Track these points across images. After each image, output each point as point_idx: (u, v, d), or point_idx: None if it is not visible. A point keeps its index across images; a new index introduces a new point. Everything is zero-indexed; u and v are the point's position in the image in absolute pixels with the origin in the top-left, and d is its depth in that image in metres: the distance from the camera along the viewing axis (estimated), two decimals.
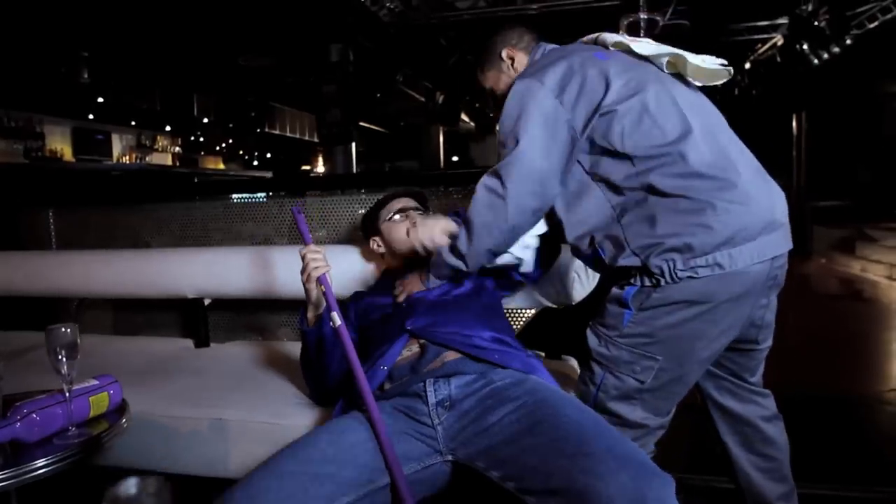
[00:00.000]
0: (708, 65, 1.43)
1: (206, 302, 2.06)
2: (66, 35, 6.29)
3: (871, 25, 6.89)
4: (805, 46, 7.16)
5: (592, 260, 1.36)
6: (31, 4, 5.23)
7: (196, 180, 7.12)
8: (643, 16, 5.56)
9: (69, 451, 1.09)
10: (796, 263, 8.56)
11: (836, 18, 6.68)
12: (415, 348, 1.36)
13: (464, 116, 11.12)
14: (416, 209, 1.66)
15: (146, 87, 8.42)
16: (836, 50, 6.96)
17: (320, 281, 1.34)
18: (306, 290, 1.38)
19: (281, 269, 1.93)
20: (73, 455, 1.09)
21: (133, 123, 8.80)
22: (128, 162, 8.84)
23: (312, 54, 6.97)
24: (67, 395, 1.15)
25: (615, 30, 6.21)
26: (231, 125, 10.13)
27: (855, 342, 4.40)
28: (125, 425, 1.22)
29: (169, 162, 9.75)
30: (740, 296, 1.26)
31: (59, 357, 1.12)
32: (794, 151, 9.86)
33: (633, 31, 5.61)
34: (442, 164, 11.34)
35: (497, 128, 1.44)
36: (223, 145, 11.04)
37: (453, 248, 1.44)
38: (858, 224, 8.39)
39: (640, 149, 1.28)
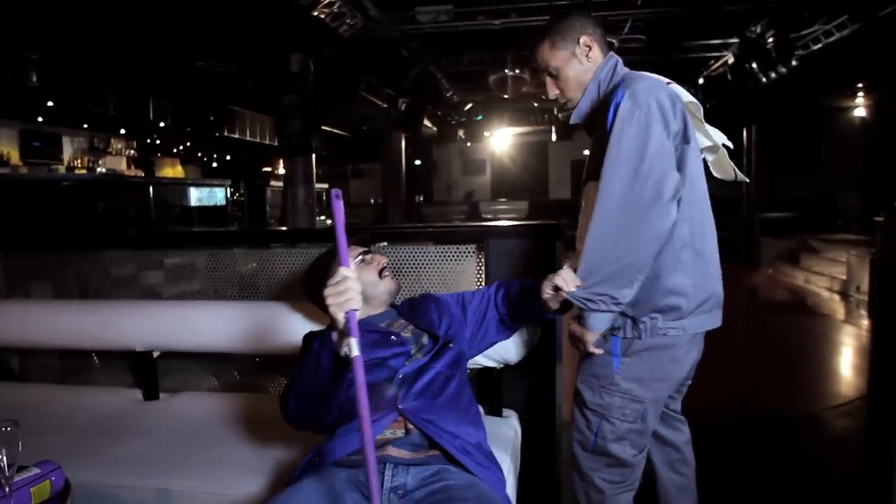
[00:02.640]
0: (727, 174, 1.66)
1: (156, 354, 2.07)
2: (13, 37, 6.08)
3: (816, 47, 7.20)
4: (754, 65, 7.45)
5: None
6: None
7: (151, 189, 6.98)
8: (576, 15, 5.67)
9: None
10: (744, 274, 8.91)
11: (782, 41, 6.96)
12: (399, 432, 1.36)
13: (426, 122, 11.16)
14: (367, 253, 1.66)
15: (99, 90, 8.19)
16: (783, 70, 7.25)
17: (347, 316, 1.19)
18: (332, 316, 1.22)
19: (232, 324, 1.94)
20: None
21: (85, 126, 8.56)
22: (79, 165, 8.60)
23: (272, 63, 6.90)
24: (7, 490, 1.16)
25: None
26: (189, 129, 9.92)
27: (796, 359, 4.59)
28: None
29: (123, 166, 9.51)
30: (695, 344, 1.56)
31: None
32: (745, 163, 10.21)
33: None
34: (404, 167, 11.35)
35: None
36: (181, 147, 10.81)
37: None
38: (803, 235, 8.74)
39: None
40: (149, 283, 2.26)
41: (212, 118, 10.09)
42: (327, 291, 1.19)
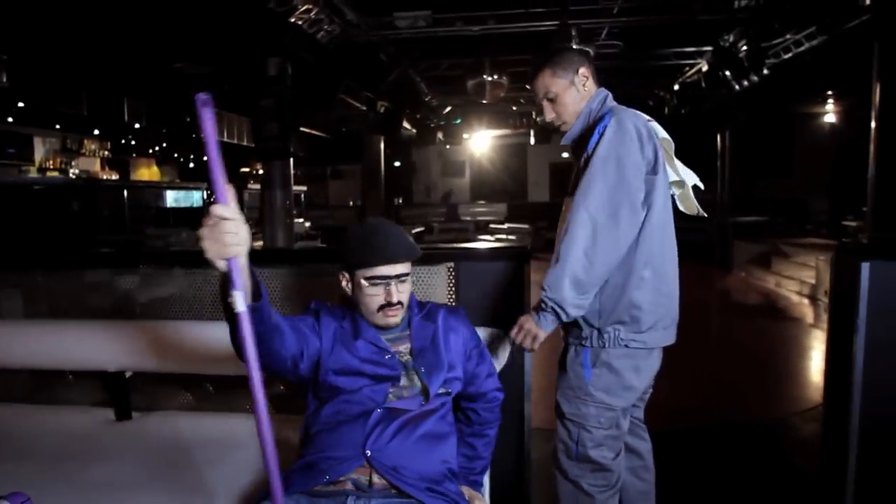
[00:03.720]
0: (690, 209, 1.80)
1: (128, 374, 2.06)
2: None
3: (786, 56, 7.37)
4: (727, 73, 7.59)
5: None
6: None
7: (126, 192, 6.90)
8: (575, 46, 5.76)
9: None
10: (718, 277, 9.07)
11: (753, 50, 7.11)
12: (363, 479, 1.36)
13: (406, 124, 11.17)
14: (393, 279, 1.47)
15: (72, 91, 8.06)
16: (755, 78, 7.41)
17: (228, 265, 1.06)
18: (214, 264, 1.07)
19: (208, 344, 1.94)
20: None
21: (58, 127, 8.41)
22: (51, 166, 8.46)
23: (249, 66, 6.85)
24: None
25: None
26: (165, 130, 9.81)
27: (765, 363, 4.69)
28: None
29: (97, 167, 9.37)
30: (655, 357, 1.72)
31: None
32: (719, 168, 10.40)
33: None
34: (383, 169, 11.34)
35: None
36: (157, 148, 10.67)
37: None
38: (775, 239, 8.92)
39: None
40: (121, 302, 2.25)
41: (188, 119, 9.98)
42: (201, 232, 1.03)
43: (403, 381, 1.46)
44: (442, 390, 1.48)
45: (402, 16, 6.64)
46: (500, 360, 1.82)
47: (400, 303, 1.46)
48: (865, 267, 1.80)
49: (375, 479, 1.36)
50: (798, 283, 7.54)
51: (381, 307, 1.45)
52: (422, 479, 1.37)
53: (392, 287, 1.44)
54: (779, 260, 8.41)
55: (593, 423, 1.67)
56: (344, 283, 1.50)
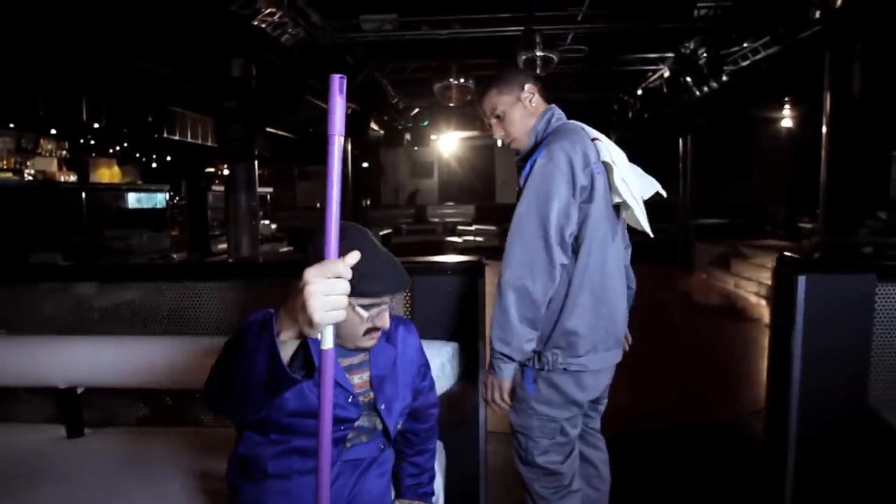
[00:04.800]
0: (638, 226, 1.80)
1: (80, 390, 2.03)
2: None
3: (744, 63, 7.59)
4: (688, 79, 7.78)
5: None
6: None
7: (84, 195, 6.73)
8: (539, 53, 5.83)
9: None
10: (680, 278, 9.29)
11: (713, 57, 7.29)
12: None
13: (373, 125, 11.13)
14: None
15: (27, 89, 7.82)
16: (715, 84, 7.61)
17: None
18: (302, 316, 0.89)
19: (161, 359, 1.93)
20: None
21: (12, 126, 8.16)
22: (5, 166, 8.20)
23: (213, 67, 6.75)
24: None
25: (513, 61, 6.49)
26: (126, 130, 9.58)
27: (723, 364, 4.83)
28: None
29: (54, 167, 9.11)
30: (604, 373, 1.78)
31: None
32: (681, 171, 10.63)
33: (530, 67, 5.88)
34: (351, 170, 11.28)
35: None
36: (117, 148, 10.42)
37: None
38: (734, 241, 9.16)
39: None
40: (71, 317, 2.21)
41: (150, 119, 9.77)
42: (314, 283, 0.86)
43: (362, 421, 1.38)
44: (399, 424, 1.45)
45: (368, 19, 6.63)
46: (455, 374, 1.85)
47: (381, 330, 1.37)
48: (802, 280, 1.88)
49: None
50: (756, 283, 7.75)
51: (368, 330, 1.32)
52: None
53: (385, 311, 1.33)
54: (738, 261, 8.64)
55: (537, 434, 1.74)
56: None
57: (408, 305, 1.99)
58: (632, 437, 2.99)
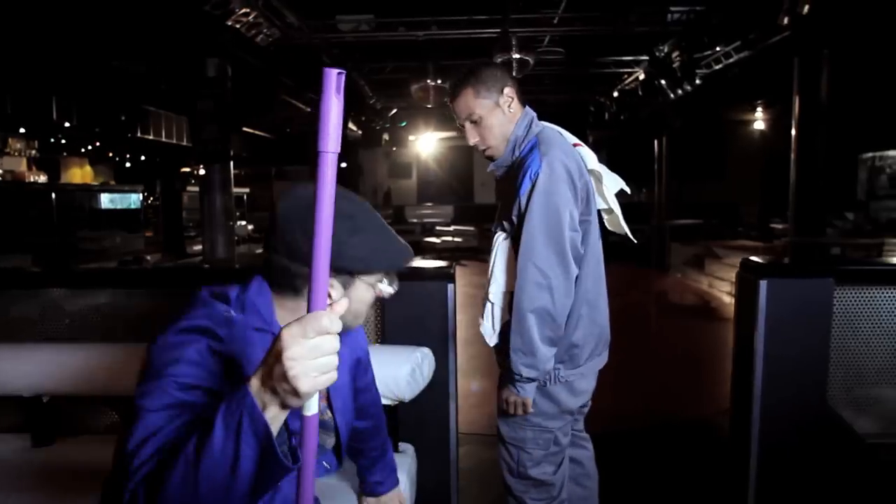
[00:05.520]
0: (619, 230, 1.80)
1: (45, 399, 2.00)
2: None
3: (717, 67, 7.73)
4: (663, 82, 7.89)
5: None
6: None
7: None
8: (515, 56, 5.88)
9: None
10: (655, 278, 9.41)
11: (686, 61, 7.41)
12: None
13: (351, 125, 11.11)
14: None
15: None
16: (688, 87, 7.73)
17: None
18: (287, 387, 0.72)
19: (129, 367, 1.91)
20: None
21: None
22: None
23: (187, 66, 6.67)
24: None
25: (488, 63, 6.52)
26: (97, 129, 9.43)
27: (696, 364, 4.90)
28: None
29: (23, 167, 8.93)
30: (591, 378, 1.76)
31: None
32: (656, 172, 10.78)
33: (506, 69, 5.92)
34: None
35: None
36: (89, 148, 10.25)
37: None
38: (708, 241, 9.31)
39: None
40: (38, 324, 2.18)
41: (123, 118, 9.63)
42: (292, 353, 0.70)
43: (324, 438, 1.27)
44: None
45: (344, 19, 6.62)
46: (426, 378, 1.86)
47: None
48: (763, 284, 1.93)
49: None
50: (729, 283, 7.88)
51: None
52: None
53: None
54: (711, 261, 8.78)
55: (531, 446, 1.71)
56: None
57: (378, 311, 2.00)
58: (609, 438, 3.04)
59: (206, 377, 0.93)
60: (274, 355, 0.72)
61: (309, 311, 0.71)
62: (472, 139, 1.68)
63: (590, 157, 1.68)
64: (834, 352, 2.00)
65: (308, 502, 0.76)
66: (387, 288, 1.14)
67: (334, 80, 0.69)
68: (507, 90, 1.63)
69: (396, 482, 1.57)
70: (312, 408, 0.74)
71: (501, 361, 1.72)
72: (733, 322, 2.16)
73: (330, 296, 1.01)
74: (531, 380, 1.59)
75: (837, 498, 2.04)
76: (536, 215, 1.53)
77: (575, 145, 1.66)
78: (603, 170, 1.74)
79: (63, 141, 9.47)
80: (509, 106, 1.63)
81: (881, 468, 2.00)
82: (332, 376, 0.73)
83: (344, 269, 1.05)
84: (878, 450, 2.00)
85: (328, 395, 1.24)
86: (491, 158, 1.71)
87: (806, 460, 2.03)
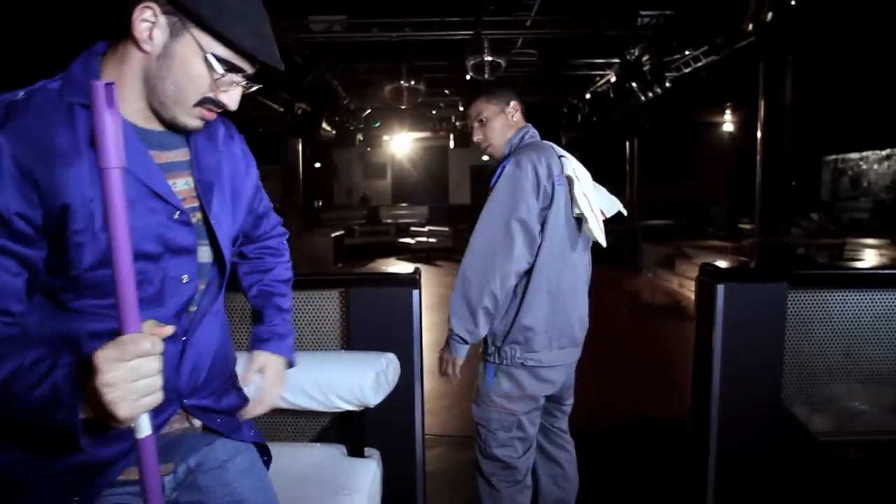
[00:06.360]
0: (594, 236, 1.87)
1: None
2: None
3: (686, 70, 7.87)
4: (634, 85, 8.01)
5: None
6: None
7: None
8: (487, 58, 5.91)
9: None
10: (627, 278, 9.55)
11: (656, 65, 7.54)
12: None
13: (325, 126, 11.04)
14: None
15: None
16: (659, 90, 7.86)
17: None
18: (110, 420, 0.71)
19: None
20: None
21: None
22: None
23: None
24: None
25: (461, 65, 6.55)
26: None
27: (666, 364, 4.98)
28: None
29: None
30: (562, 370, 1.86)
31: None
32: (628, 173, 10.93)
33: (478, 72, 5.95)
34: (302, 171, 11.17)
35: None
36: None
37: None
38: (678, 242, 9.47)
39: None
40: None
41: None
42: (110, 373, 0.68)
43: (201, 255, 0.99)
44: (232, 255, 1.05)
45: (317, 20, 6.59)
46: (391, 384, 1.88)
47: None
48: (721, 288, 1.99)
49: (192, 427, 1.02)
50: None
51: (205, 101, 0.91)
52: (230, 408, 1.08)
53: (238, 91, 0.93)
54: (681, 261, 8.93)
55: (496, 426, 1.86)
56: (145, 24, 0.85)
57: (344, 316, 2.01)
58: (580, 437, 3.08)
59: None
60: (91, 377, 0.69)
61: (121, 331, 0.69)
62: (477, 136, 1.95)
63: (570, 166, 1.82)
64: (788, 353, 2.07)
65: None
66: (224, 72, 0.88)
67: (103, 93, 0.64)
68: (513, 103, 1.92)
69: (287, 353, 1.26)
70: (144, 429, 0.71)
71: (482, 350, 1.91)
72: (695, 324, 2.21)
73: (144, 44, 0.84)
74: (461, 339, 1.76)
75: (792, 495, 2.10)
76: (496, 199, 1.75)
77: (560, 156, 1.83)
78: (600, 191, 1.93)
79: None
80: (513, 116, 1.92)
81: (833, 466, 2.08)
82: (157, 398, 0.71)
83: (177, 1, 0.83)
84: (830, 448, 2.07)
85: (198, 192, 0.97)
86: (491, 157, 1.95)
87: (762, 458, 2.10)
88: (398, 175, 14.71)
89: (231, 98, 0.92)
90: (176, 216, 0.92)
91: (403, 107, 7.86)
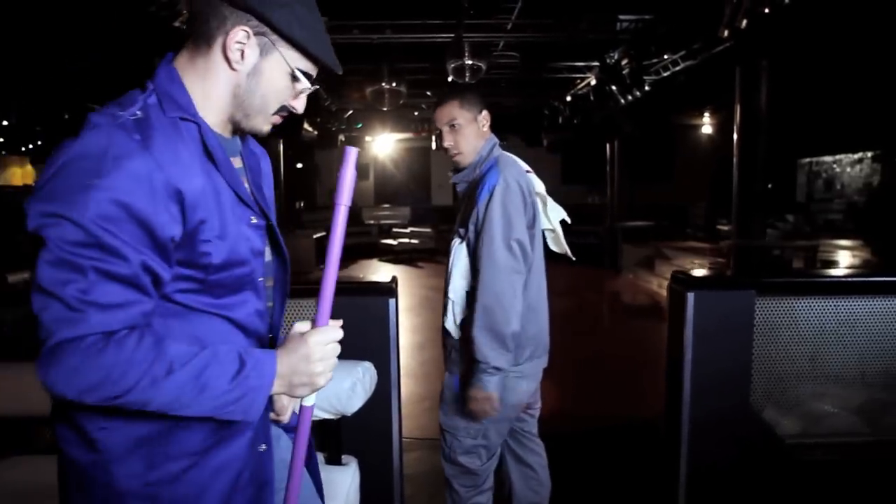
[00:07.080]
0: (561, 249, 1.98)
1: None
2: None
3: (665, 74, 7.97)
4: (613, 88, 8.09)
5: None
6: None
7: None
8: (468, 62, 5.93)
9: None
10: (608, 279, 9.64)
11: (635, 68, 7.62)
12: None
13: (307, 126, 10.99)
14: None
15: None
16: (638, 93, 7.95)
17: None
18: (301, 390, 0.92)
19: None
20: None
21: None
22: None
23: (135, 65, 6.50)
24: None
25: (443, 67, 6.56)
26: (39, 128, 9.08)
27: (645, 365, 5.05)
28: None
29: None
30: (532, 378, 1.90)
31: None
32: (608, 175, 11.02)
33: (459, 75, 5.97)
34: (283, 171, 11.11)
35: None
36: (30, 146, 9.86)
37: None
38: (657, 243, 9.58)
39: None
40: None
41: (67, 117, 9.30)
42: (320, 353, 0.90)
43: (266, 255, 1.05)
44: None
45: None
46: (368, 392, 1.89)
47: None
48: (691, 296, 2.04)
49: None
50: None
51: (282, 108, 0.99)
52: None
53: (305, 98, 1.01)
54: (661, 262, 9.04)
55: (462, 434, 1.88)
56: (238, 46, 0.91)
57: None
58: (553, 439, 3.12)
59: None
60: (300, 357, 0.90)
61: (316, 324, 0.93)
62: (447, 142, 1.93)
63: (538, 183, 1.94)
64: (756, 358, 2.13)
65: (298, 479, 0.94)
66: (308, 84, 0.97)
67: (355, 157, 0.97)
68: (484, 112, 1.93)
69: None
70: (310, 399, 0.95)
71: (466, 351, 1.85)
72: (667, 330, 2.26)
73: (236, 64, 0.91)
74: (498, 370, 1.74)
75: (761, 496, 2.16)
76: (495, 221, 1.75)
77: (526, 171, 1.91)
78: (548, 199, 1.99)
79: (1, 139, 9.10)
80: (483, 125, 1.93)
81: (800, 467, 2.14)
82: (331, 375, 0.93)
83: (267, 21, 0.90)
84: (797, 450, 2.13)
85: (254, 195, 1.03)
86: (457, 164, 1.95)
87: (732, 461, 2.15)
88: (381, 175, 14.68)
89: (301, 103, 1.01)
90: (253, 220, 0.99)
91: (385, 108, 7.85)
